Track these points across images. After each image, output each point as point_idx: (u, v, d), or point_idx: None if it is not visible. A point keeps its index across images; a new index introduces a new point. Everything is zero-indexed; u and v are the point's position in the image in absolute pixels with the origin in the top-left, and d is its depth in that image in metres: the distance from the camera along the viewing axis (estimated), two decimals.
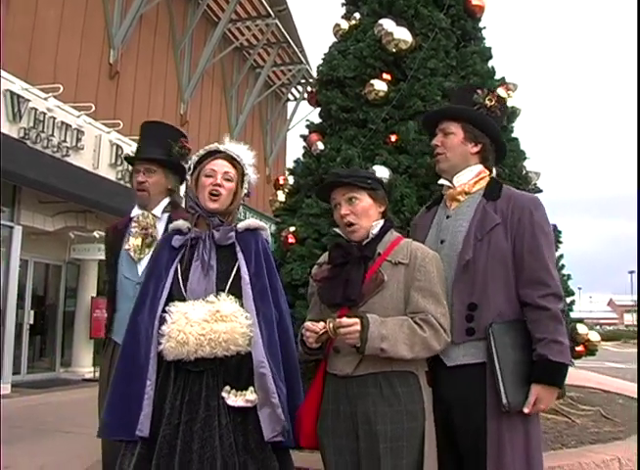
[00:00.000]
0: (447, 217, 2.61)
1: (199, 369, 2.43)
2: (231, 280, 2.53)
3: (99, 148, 12.77)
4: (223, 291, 2.49)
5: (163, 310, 2.48)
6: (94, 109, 12.44)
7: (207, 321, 2.39)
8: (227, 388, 2.41)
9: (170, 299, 2.51)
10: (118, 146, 13.28)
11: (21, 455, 5.32)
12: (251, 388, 2.41)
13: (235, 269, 2.55)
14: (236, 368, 2.44)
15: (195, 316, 2.40)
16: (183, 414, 2.38)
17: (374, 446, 2.28)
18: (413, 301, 2.36)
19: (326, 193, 2.58)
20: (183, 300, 2.48)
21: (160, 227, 3.23)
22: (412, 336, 2.29)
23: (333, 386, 2.42)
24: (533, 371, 2.34)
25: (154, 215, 3.29)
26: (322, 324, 2.31)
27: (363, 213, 2.48)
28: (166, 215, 3.25)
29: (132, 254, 3.17)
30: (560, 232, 7.99)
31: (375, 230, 2.50)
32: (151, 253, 3.03)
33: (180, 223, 2.69)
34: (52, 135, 11.33)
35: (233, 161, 2.67)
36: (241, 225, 2.66)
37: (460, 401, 2.38)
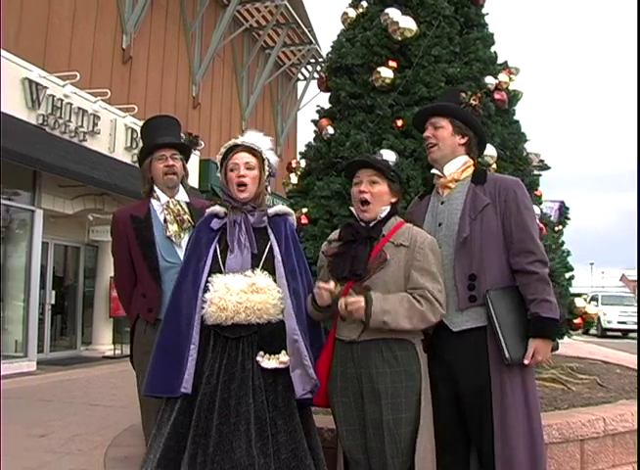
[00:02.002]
0: (442, 203, 2.95)
1: (235, 336, 2.74)
2: (264, 258, 2.84)
3: (114, 132, 13.11)
4: (257, 268, 2.81)
5: (206, 282, 2.79)
6: (109, 94, 12.71)
7: (245, 292, 2.71)
8: (261, 352, 2.73)
9: (210, 274, 2.82)
10: (133, 130, 13.55)
11: (54, 425, 5.69)
12: (284, 351, 2.73)
13: (267, 249, 2.86)
14: (270, 335, 2.75)
15: (234, 287, 2.72)
16: (221, 375, 2.69)
17: (376, 402, 2.62)
18: (413, 278, 2.68)
19: (354, 170, 2.88)
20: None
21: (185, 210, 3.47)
22: (411, 309, 2.61)
23: (341, 350, 2.76)
24: (529, 328, 2.71)
25: (179, 201, 3.48)
26: (332, 284, 2.66)
27: (378, 197, 2.79)
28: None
29: (174, 239, 3.37)
30: (567, 208, 8.14)
31: (382, 214, 2.81)
32: (187, 236, 3.30)
33: (217, 209, 2.99)
34: (69, 121, 11.66)
35: (252, 150, 2.95)
36: (271, 210, 2.97)
37: (466, 361, 2.74)
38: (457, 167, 2.95)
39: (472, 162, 2.99)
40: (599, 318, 22.00)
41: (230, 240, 2.86)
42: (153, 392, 2.82)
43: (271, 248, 2.87)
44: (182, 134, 3.57)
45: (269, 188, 3.05)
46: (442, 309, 2.68)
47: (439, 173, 2.99)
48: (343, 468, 2.80)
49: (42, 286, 11.47)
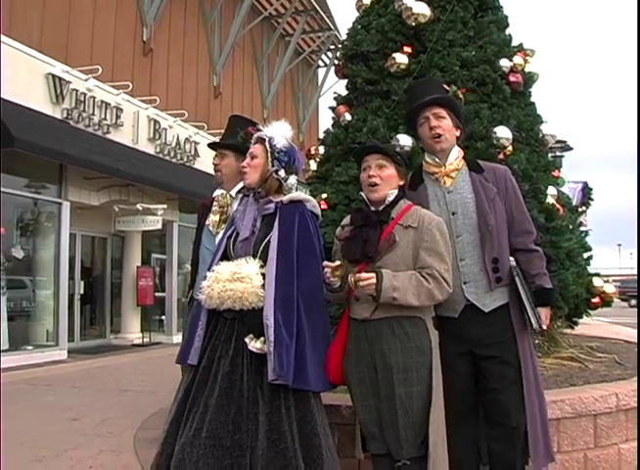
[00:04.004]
0: (448, 193, 3.05)
1: (231, 317, 2.94)
2: (263, 246, 2.97)
3: (137, 124, 13.25)
4: (257, 254, 2.95)
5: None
6: (131, 87, 12.87)
7: (229, 281, 2.87)
8: (250, 335, 2.87)
9: (225, 258, 3.03)
10: (156, 121, 13.73)
11: (85, 410, 5.88)
12: (262, 338, 2.83)
13: (269, 237, 2.97)
14: (252, 318, 2.88)
15: (222, 276, 2.90)
16: (218, 351, 2.91)
17: (389, 377, 2.73)
18: (421, 258, 2.78)
19: (362, 156, 2.98)
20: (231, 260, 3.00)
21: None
22: (419, 287, 2.72)
23: (354, 329, 2.87)
24: (537, 298, 3.01)
25: (230, 196, 3.78)
26: (338, 262, 2.82)
27: (387, 180, 2.89)
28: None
29: (211, 228, 3.73)
30: (591, 189, 8.09)
31: (391, 198, 2.91)
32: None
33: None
34: (93, 114, 11.83)
35: (260, 139, 3.10)
36: (286, 198, 3.05)
37: (494, 335, 2.94)
38: (455, 158, 3.11)
39: (462, 152, 3.16)
40: None
41: (238, 226, 3.07)
42: (178, 361, 3.17)
43: (272, 235, 2.98)
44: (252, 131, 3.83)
45: (282, 173, 3.06)
46: (449, 288, 2.78)
47: (440, 163, 3.09)
48: (361, 442, 2.93)
49: (71, 277, 11.71)
